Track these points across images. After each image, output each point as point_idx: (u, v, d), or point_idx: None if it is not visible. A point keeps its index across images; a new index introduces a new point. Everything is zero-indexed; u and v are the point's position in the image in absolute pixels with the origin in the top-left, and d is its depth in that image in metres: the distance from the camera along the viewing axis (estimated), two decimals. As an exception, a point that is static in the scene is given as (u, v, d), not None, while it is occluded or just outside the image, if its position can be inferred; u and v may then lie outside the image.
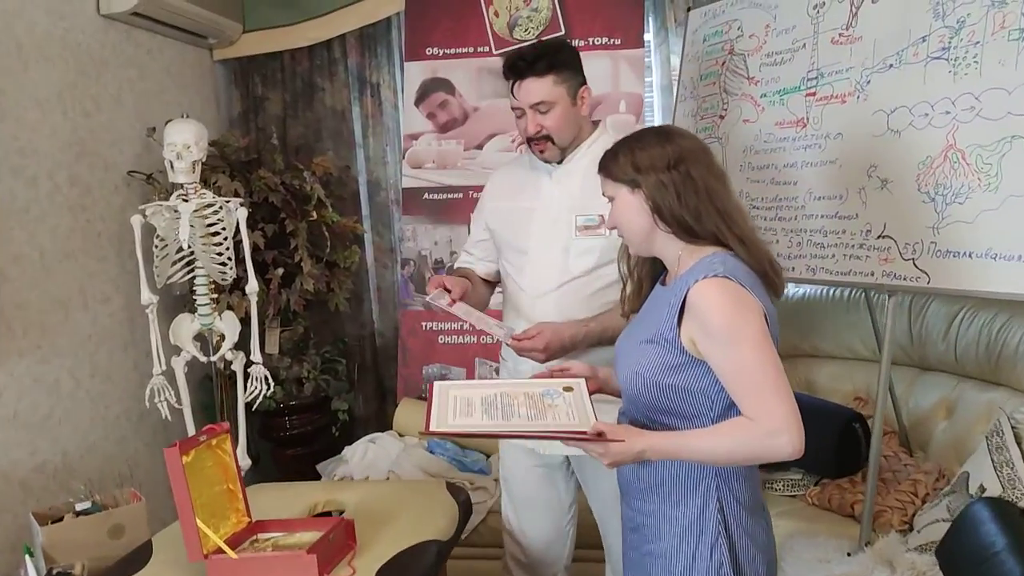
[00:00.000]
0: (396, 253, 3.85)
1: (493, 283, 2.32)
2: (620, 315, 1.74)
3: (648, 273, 1.69)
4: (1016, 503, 2.10)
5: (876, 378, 2.99)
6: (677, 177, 1.51)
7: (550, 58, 1.99)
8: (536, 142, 2.05)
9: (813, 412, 2.61)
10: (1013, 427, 2.30)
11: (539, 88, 1.99)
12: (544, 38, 2.03)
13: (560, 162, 2.10)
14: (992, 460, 2.24)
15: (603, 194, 1.62)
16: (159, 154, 3.20)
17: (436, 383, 1.66)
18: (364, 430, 3.88)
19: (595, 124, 2.17)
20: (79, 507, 2.33)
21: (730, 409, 1.48)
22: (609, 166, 1.58)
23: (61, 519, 2.28)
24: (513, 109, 2.07)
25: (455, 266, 2.35)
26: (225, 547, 1.77)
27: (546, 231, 2.09)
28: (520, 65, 2.00)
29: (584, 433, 1.49)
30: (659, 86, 3.56)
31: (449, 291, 1.96)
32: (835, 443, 2.64)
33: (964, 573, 1.98)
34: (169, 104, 3.42)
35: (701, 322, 1.45)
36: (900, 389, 2.84)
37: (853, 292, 3.08)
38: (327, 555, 1.79)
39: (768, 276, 1.54)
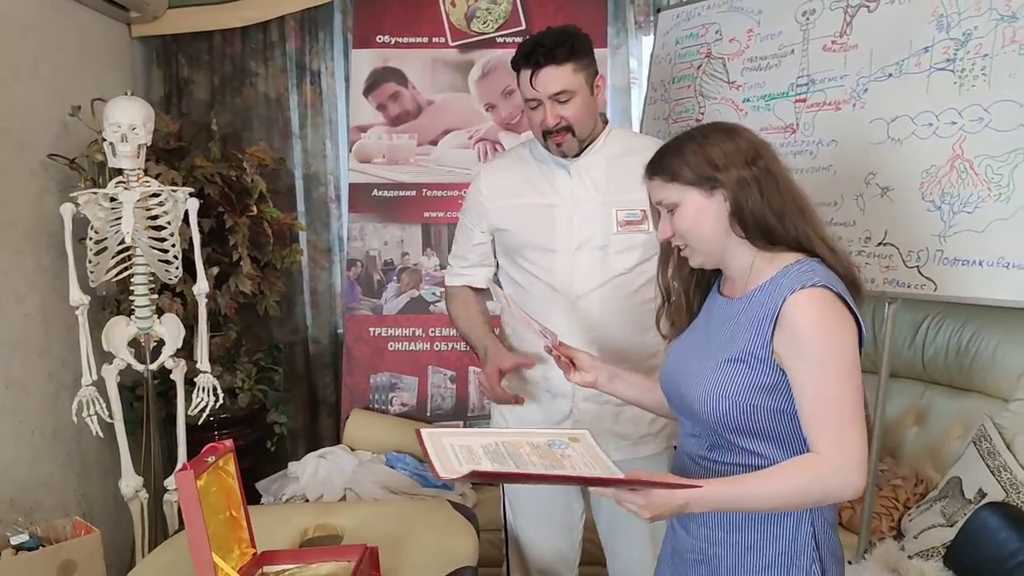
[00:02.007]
0: (334, 253, 3.61)
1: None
2: (663, 338, 1.60)
3: (697, 287, 1.53)
4: (1021, 507, 2.14)
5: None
6: (759, 173, 1.36)
7: (569, 45, 1.88)
8: (554, 135, 1.92)
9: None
10: (999, 432, 2.36)
11: (559, 77, 1.87)
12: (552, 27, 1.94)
13: (576, 156, 1.98)
14: (987, 465, 2.29)
15: (657, 203, 1.44)
16: (79, 137, 2.87)
17: (423, 431, 1.44)
18: (294, 444, 3.63)
19: (602, 117, 2.07)
20: (15, 541, 2.02)
21: None
22: (673, 167, 1.39)
23: (-3, 556, 1.95)
24: (527, 101, 1.94)
25: (449, 285, 2.15)
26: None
27: (577, 228, 1.96)
28: (539, 53, 1.87)
29: (622, 479, 1.32)
30: (615, 87, 3.50)
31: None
32: (819, 450, 2.65)
33: (988, 580, 1.99)
34: (84, 82, 3.04)
35: (792, 334, 1.31)
36: (868, 396, 2.88)
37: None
38: (358, 590, 1.58)
39: (855, 282, 1.41)
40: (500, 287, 1.98)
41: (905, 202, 2.24)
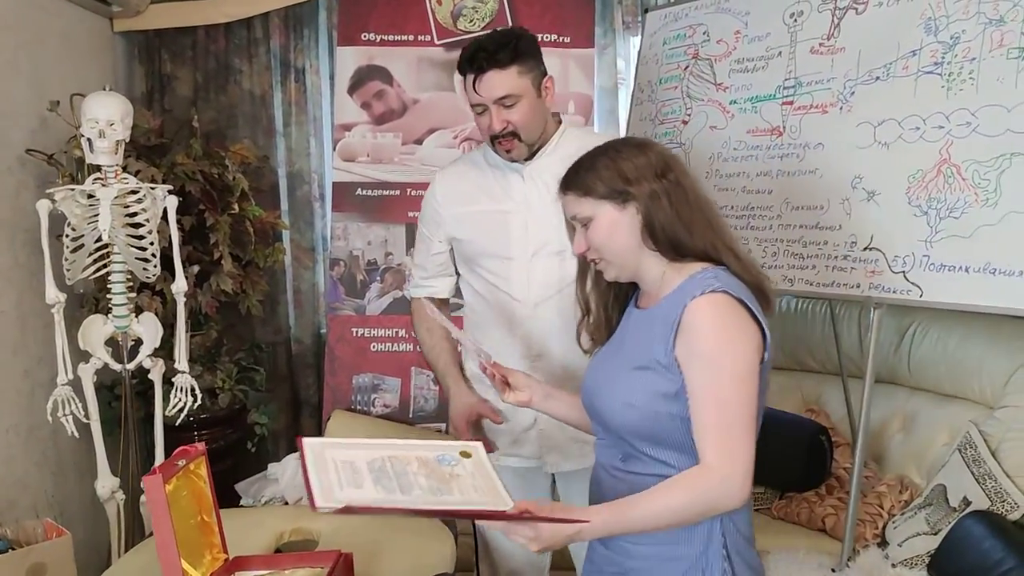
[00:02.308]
0: (317, 252, 3.58)
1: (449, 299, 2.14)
2: (583, 352, 1.59)
3: (616, 301, 1.53)
4: (1006, 516, 2.13)
5: (825, 390, 3.06)
6: (669, 186, 1.38)
7: (513, 47, 1.83)
8: (501, 140, 1.88)
9: (782, 425, 2.61)
10: (985, 440, 2.34)
11: (503, 81, 1.82)
12: (498, 28, 1.89)
13: (528, 160, 1.94)
14: (972, 473, 2.27)
15: (572, 217, 1.45)
16: (58, 133, 2.82)
17: (305, 440, 1.31)
18: (275, 444, 3.59)
19: (556, 117, 2.02)
20: (-17, 544, 1.97)
21: None
22: (586, 182, 1.41)
23: (-36, 560, 1.91)
24: (473, 106, 1.89)
25: (412, 295, 2.12)
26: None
27: (532, 234, 1.93)
28: (481, 57, 1.82)
29: (504, 512, 1.28)
30: (602, 88, 3.47)
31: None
32: (804, 456, 2.63)
33: (971, 590, 1.98)
34: (65, 77, 3.00)
35: (689, 339, 1.32)
36: (853, 401, 2.87)
37: (801, 303, 3.10)
38: (332, 597, 1.55)
39: (763, 289, 1.42)
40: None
41: (891, 207, 2.23)
